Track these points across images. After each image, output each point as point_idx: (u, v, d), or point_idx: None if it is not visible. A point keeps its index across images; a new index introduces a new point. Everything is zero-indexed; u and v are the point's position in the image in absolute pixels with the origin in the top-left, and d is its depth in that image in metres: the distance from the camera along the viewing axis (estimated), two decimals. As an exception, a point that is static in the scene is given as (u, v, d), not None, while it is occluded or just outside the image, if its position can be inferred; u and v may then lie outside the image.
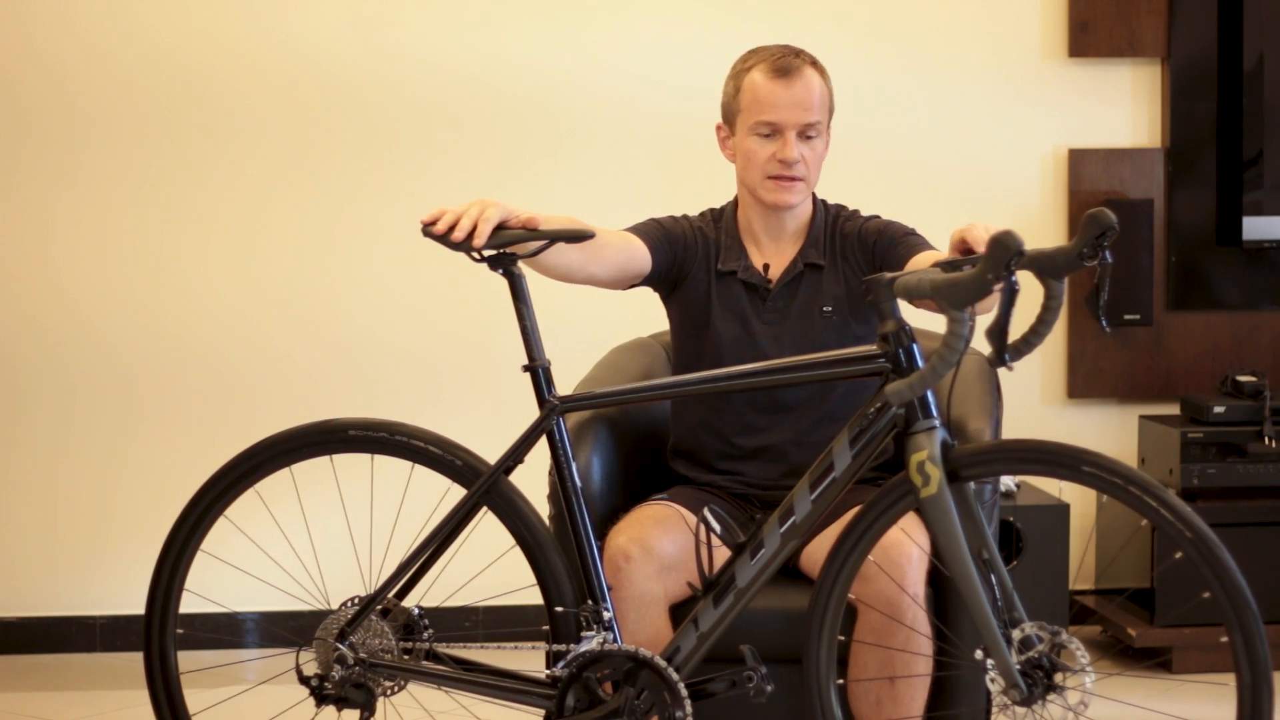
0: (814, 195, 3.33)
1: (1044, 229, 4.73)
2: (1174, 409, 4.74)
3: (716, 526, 2.85)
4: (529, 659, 3.00)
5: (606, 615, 2.91)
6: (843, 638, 2.85)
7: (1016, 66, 4.78)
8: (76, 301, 4.71)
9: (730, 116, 3.29)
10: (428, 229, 2.90)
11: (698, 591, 2.88)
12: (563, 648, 2.91)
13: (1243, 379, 4.59)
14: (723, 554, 2.91)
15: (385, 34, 4.70)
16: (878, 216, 3.31)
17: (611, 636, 2.91)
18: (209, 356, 4.73)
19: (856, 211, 3.34)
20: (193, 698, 3.14)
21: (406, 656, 2.97)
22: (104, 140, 4.68)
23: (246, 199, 4.72)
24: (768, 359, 3.13)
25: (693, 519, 3.00)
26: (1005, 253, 2.52)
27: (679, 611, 3.02)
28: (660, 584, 3.03)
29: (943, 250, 3.00)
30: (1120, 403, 4.84)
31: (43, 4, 4.65)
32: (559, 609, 2.93)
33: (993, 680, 2.66)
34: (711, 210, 3.38)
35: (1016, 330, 2.55)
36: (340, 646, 2.96)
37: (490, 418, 4.52)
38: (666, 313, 3.39)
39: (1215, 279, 4.78)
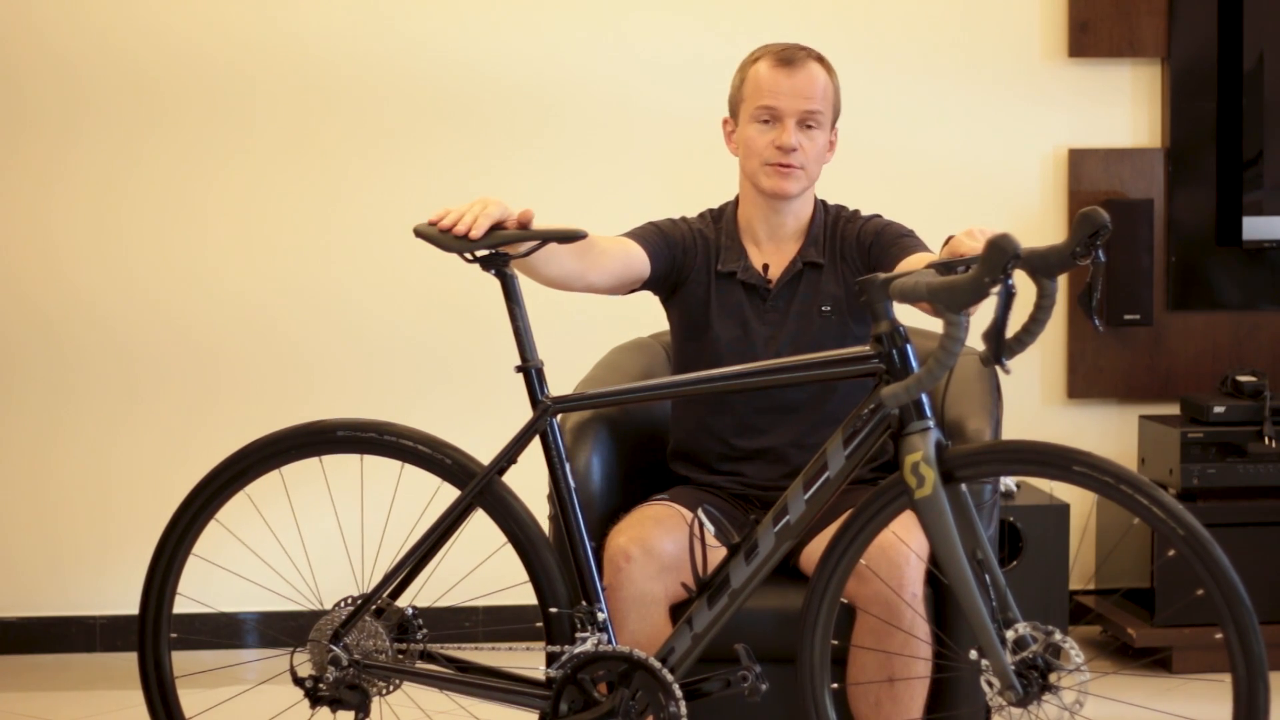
0: (815, 196, 3.33)
1: (1044, 229, 4.72)
2: (1174, 409, 4.73)
3: (711, 526, 2.85)
4: (529, 659, 2.99)
5: (601, 616, 2.91)
6: (835, 642, 2.84)
7: (1016, 66, 4.77)
8: (74, 284, 4.71)
9: (735, 107, 3.29)
10: (421, 230, 2.91)
11: (692, 592, 2.88)
12: (557, 649, 2.90)
13: (1243, 379, 4.59)
14: (720, 554, 2.91)
15: (387, 21, 4.70)
16: (878, 216, 3.31)
17: (606, 638, 2.90)
18: (206, 339, 4.73)
19: (857, 212, 3.34)
20: (192, 698, 3.14)
21: (401, 657, 2.97)
22: (102, 123, 4.69)
23: (244, 183, 4.73)
24: (767, 360, 3.13)
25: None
26: (1002, 256, 2.51)
27: (679, 612, 3.01)
28: (660, 584, 3.03)
29: (935, 253, 3.00)
30: (1120, 403, 4.83)
31: (42, -10, 4.67)
32: (553, 610, 2.93)
33: (988, 681, 2.66)
34: (711, 210, 3.38)
35: (1011, 330, 2.55)
36: (334, 648, 2.96)
37: (486, 408, 4.53)
38: (666, 314, 3.39)
39: (1215, 279, 4.78)
